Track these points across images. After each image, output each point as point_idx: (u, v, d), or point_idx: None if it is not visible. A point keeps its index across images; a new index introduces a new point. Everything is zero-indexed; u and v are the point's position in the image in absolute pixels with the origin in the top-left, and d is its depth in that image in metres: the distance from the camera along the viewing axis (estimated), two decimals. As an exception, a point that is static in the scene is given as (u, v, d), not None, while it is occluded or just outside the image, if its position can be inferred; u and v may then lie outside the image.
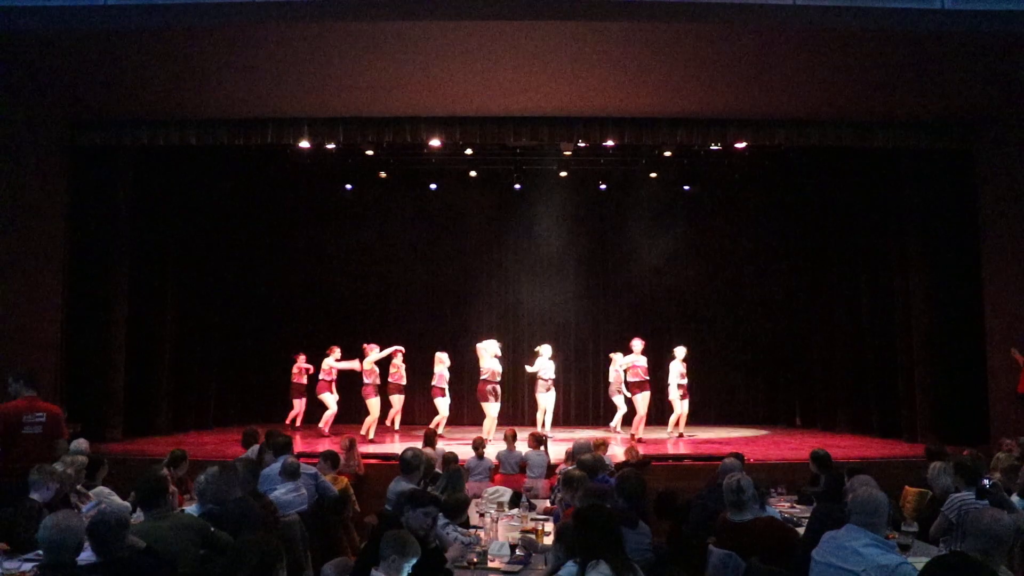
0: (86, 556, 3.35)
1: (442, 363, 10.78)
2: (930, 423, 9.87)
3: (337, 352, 10.90)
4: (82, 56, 7.64)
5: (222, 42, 7.37)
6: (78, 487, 5.01)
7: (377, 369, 10.65)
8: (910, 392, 10.26)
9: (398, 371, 10.85)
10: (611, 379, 10.92)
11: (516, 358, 12.07)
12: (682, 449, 9.64)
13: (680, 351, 10.71)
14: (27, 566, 3.77)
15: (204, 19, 6.89)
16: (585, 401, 13.29)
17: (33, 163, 9.11)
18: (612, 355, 10.98)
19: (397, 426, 11.14)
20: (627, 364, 10.45)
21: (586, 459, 5.69)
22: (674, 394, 10.62)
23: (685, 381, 10.61)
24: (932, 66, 7.80)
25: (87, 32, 7.07)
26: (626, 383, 10.46)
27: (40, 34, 7.09)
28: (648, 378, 10.40)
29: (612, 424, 11.08)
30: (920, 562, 3.13)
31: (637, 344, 10.53)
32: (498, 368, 10.42)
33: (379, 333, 12.53)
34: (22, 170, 9.00)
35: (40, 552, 3.42)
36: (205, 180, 11.90)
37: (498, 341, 10.68)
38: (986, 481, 4.68)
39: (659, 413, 11.29)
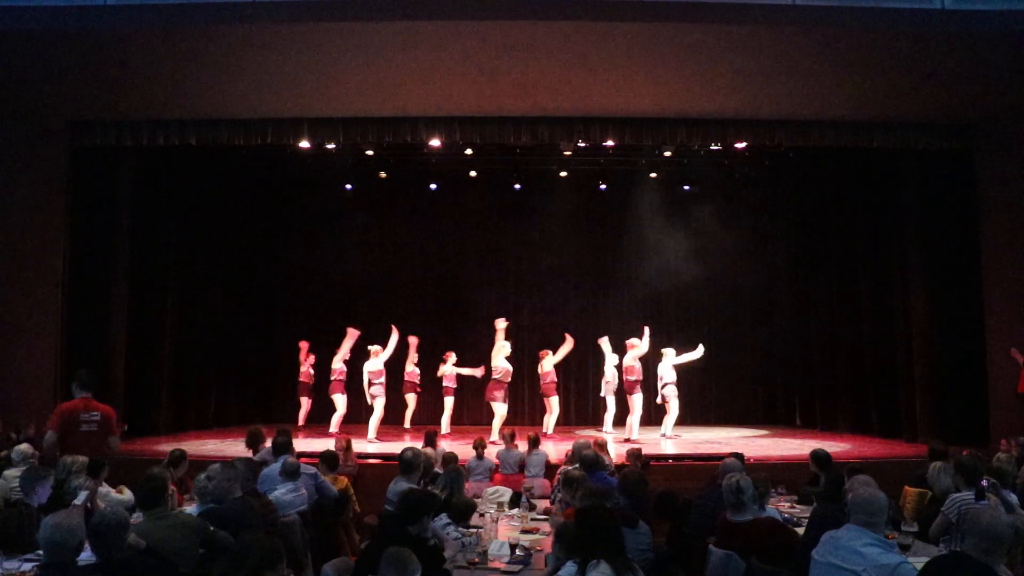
0: (86, 556, 3.35)
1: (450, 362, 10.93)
2: (930, 423, 9.87)
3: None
4: (82, 56, 7.64)
5: (222, 42, 7.38)
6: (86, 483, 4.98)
7: (383, 368, 10.67)
8: (910, 392, 10.26)
9: (413, 371, 10.97)
10: (607, 377, 10.96)
11: (517, 358, 12.06)
12: (675, 449, 9.64)
13: (669, 352, 10.73)
14: (27, 566, 3.77)
15: (204, 19, 6.90)
16: (585, 401, 13.29)
17: (33, 163, 9.11)
18: (600, 340, 11.00)
19: (408, 424, 11.20)
20: (627, 364, 10.43)
21: (588, 455, 5.71)
22: (669, 394, 10.63)
23: (671, 379, 10.60)
24: (932, 66, 7.80)
25: (87, 32, 7.07)
26: (622, 383, 10.44)
27: (40, 34, 7.09)
28: (642, 379, 10.41)
29: (605, 428, 11.12)
30: (920, 562, 3.14)
31: (634, 341, 10.53)
32: (509, 368, 10.51)
33: (378, 332, 12.53)
34: (22, 170, 9.01)
35: (40, 552, 3.42)
36: (205, 180, 11.90)
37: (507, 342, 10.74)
38: (984, 482, 4.68)
39: (656, 414, 11.27)
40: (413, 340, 11.23)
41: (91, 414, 5.68)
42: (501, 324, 10.75)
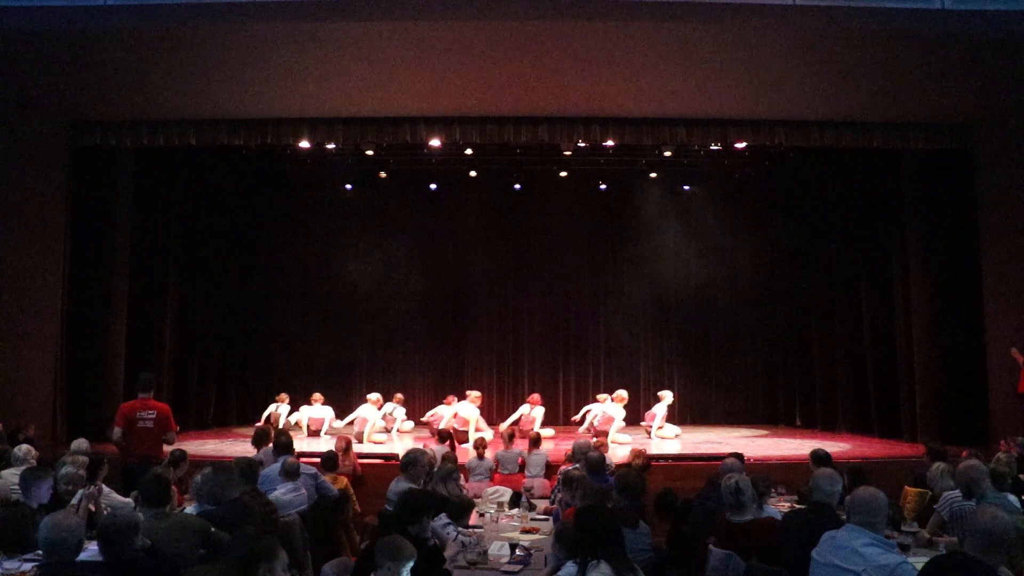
0: (86, 556, 3.34)
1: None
2: (930, 423, 9.86)
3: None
4: (82, 56, 7.64)
5: (222, 42, 7.38)
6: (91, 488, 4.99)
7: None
8: (910, 392, 10.25)
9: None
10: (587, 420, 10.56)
11: (516, 359, 12.08)
12: (674, 449, 9.65)
13: (667, 395, 10.75)
14: (27, 566, 3.77)
15: (204, 19, 6.90)
16: (583, 402, 13.25)
17: (33, 163, 9.11)
18: (600, 396, 10.88)
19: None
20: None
21: (594, 456, 5.71)
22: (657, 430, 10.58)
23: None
24: (932, 66, 7.80)
25: (87, 32, 7.07)
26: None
27: (39, 34, 7.08)
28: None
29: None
30: (920, 562, 3.14)
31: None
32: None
33: (378, 333, 12.55)
34: (22, 170, 9.00)
35: (40, 552, 3.42)
36: (205, 180, 11.89)
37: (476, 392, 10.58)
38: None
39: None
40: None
41: (148, 412, 6.44)
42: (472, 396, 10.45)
